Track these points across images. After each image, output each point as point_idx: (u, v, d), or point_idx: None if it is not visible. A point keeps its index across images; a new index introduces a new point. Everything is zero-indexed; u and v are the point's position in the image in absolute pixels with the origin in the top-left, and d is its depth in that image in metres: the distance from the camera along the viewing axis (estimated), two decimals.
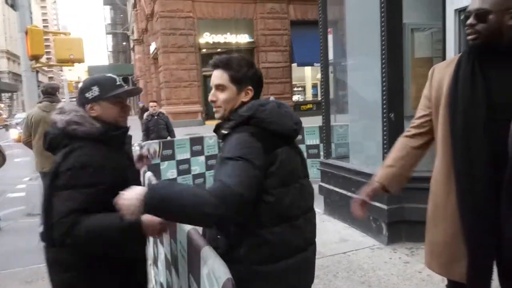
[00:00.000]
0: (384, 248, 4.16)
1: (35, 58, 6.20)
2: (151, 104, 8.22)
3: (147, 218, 1.58)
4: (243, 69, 1.65)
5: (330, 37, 5.45)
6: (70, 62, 6.61)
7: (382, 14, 4.06)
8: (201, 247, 1.43)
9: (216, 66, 1.69)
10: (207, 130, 13.91)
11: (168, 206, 1.36)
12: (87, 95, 1.82)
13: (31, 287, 3.81)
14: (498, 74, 1.67)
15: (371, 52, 4.27)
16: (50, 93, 5.36)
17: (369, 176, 4.37)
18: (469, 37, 1.72)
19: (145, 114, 8.17)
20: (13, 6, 6.82)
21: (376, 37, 4.16)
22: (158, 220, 1.62)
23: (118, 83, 1.87)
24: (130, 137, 2.03)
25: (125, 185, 1.48)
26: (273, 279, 1.54)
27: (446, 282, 3.31)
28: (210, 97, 1.68)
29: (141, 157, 2.30)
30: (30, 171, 6.62)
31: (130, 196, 1.40)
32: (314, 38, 6.65)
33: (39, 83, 8.14)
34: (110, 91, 1.81)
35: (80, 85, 1.99)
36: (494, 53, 1.69)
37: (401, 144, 2.04)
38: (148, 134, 7.52)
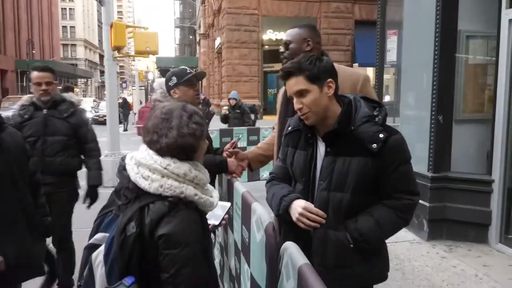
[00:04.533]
0: (423, 243, 4.36)
1: (117, 48, 6.99)
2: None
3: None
4: (316, 64, 1.60)
5: (394, 39, 5.58)
6: (146, 53, 7.37)
7: (437, 21, 4.24)
8: (252, 202, 1.86)
9: (288, 75, 1.63)
10: (264, 124, 14.38)
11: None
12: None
13: None
14: None
15: (425, 56, 4.45)
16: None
17: (415, 174, 4.58)
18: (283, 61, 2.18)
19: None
20: (100, 1, 7.68)
21: (430, 41, 4.34)
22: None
23: (188, 71, 2.58)
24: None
25: None
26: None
27: (479, 276, 3.52)
28: (296, 107, 1.62)
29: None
30: (105, 149, 7.48)
31: None
32: None
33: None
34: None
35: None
36: None
37: (271, 136, 2.62)
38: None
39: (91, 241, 1.42)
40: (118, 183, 1.46)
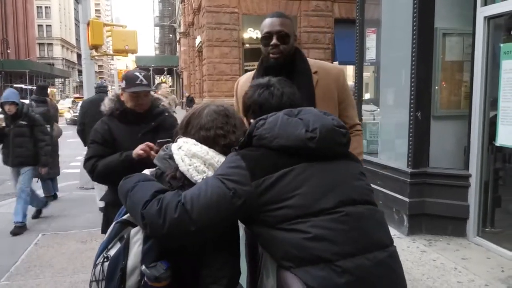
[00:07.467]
0: (404, 238, 4.42)
1: (95, 47, 6.86)
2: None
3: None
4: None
5: (373, 37, 5.62)
6: (125, 52, 7.26)
7: (414, 19, 4.29)
8: None
9: None
10: None
11: (124, 200, 1.39)
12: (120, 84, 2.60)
13: (85, 246, 4.39)
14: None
15: (403, 53, 4.50)
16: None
17: (394, 170, 4.65)
18: (274, 56, 1.95)
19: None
20: None
21: (408, 39, 4.40)
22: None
23: (138, 81, 2.45)
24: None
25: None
26: None
27: (458, 269, 3.58)
28: None
29: None
30: (83, 150, 7.33)
31: None
32: None
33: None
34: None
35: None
36: (288, 70, 1.96)
37: None
38: None
39: (125, 217, 1.41)
40: (155, 169, 1.48)
